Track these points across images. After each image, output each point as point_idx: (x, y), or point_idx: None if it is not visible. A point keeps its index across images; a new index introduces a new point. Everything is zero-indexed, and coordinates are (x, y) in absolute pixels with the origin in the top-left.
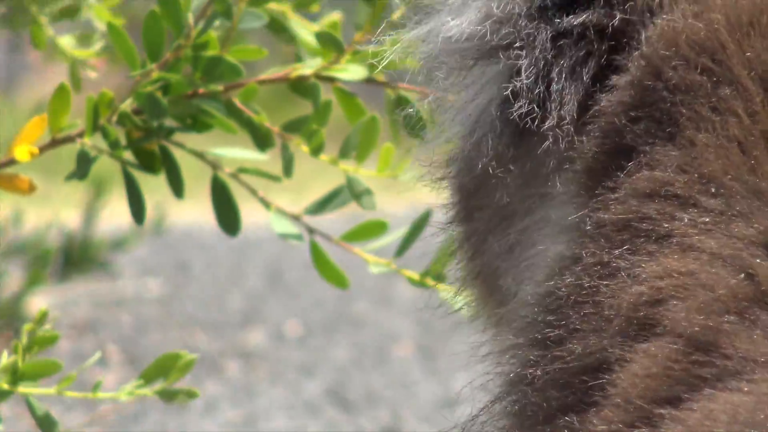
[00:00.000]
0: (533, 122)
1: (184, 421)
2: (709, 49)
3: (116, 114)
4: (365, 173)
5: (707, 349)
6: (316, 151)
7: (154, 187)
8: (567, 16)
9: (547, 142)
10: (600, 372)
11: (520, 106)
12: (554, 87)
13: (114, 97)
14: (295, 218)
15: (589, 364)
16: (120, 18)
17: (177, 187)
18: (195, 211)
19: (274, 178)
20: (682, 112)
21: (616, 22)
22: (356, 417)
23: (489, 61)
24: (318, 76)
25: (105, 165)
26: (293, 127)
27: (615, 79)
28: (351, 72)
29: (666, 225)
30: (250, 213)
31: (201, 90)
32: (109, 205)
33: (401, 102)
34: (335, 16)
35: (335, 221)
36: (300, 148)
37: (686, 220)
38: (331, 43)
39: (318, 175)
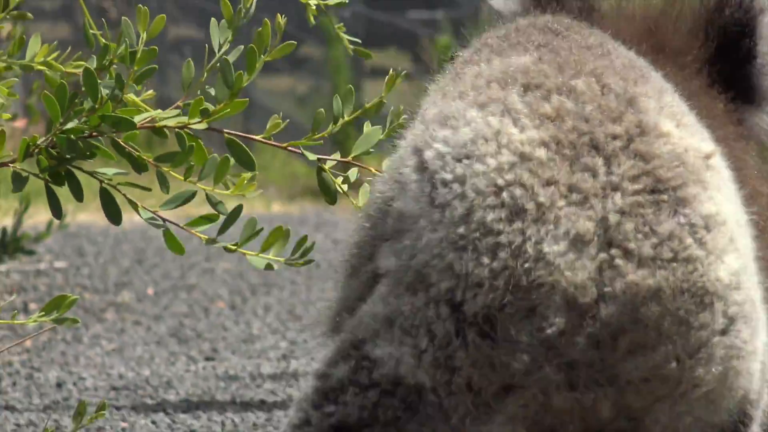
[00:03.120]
0: None
1: (77, 349)
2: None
3: (39, 148)
4: (219, 192)
5: None
6: (186, 176)
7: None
8: None
9: None
10: None
11: None
12: None
13: (37, 138)
14: (155, 213)
15: None
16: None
17: (77, 194)
18: (88, 217)
19: (145, 189)
20: None
21: None
22: (189, 349)
23: None
24: (172, 126)
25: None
26: (164, 159)
27: None
28: (196, 124)
29: None
30: (125, 218)
31: (95, 134)
32: (30, 213)
33: None
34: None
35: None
36: (170, 173)
37: None
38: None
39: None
